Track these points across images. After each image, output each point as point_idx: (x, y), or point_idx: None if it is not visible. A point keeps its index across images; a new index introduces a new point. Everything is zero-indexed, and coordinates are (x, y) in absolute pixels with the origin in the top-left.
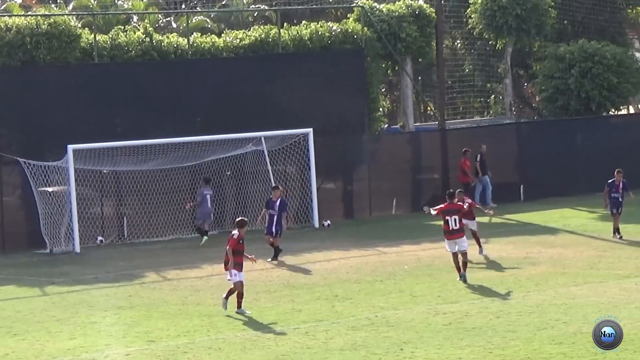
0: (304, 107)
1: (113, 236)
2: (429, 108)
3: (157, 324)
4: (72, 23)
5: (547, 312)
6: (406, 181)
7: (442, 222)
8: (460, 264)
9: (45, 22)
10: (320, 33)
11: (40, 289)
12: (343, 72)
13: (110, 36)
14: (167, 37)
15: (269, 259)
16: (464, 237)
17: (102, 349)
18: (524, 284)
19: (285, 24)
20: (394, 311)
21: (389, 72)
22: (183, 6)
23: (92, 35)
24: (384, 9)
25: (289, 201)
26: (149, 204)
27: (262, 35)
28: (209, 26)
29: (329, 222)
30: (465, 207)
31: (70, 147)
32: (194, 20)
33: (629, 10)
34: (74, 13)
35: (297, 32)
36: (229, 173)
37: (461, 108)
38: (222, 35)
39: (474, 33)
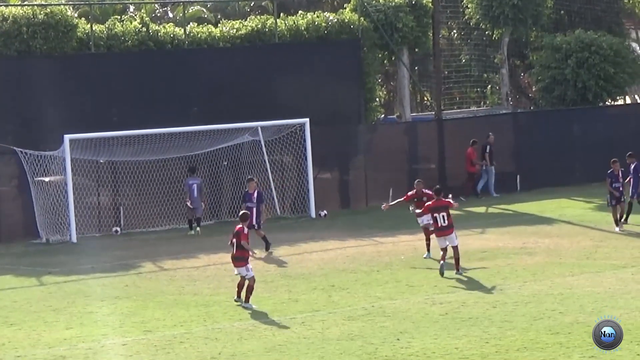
0: (300, 97)
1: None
2: (425, 98)
3: (154, 314)
4: (69, 13)
5: (543, 302)
6: (403, 171)
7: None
8: (454, 260)
9: (41, 12)
10: (316, 23)
11: (36, 278)
12: (339, 62)
13: (107, 26)
14: (164, 27)
15: (263, 254)
16: (454, 232)
17: (98, 339)
18: (521, 274)
19: (281, 14)
20: (390, 301)
21: (385, 62)
22: None
23: (89, 25)
24: (381, 0)
25: (286, 191)
26: (146, 194)
27: (259, 26)
28: (206, 16)
29: (325, 212)
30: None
31: (67, 137)
32: (190, 10)
33: (626, 1)
34: (70, 3)
35: (294, 22)
36: (225, 163)
37: (458, 98)
38: (219, 25)
39: (471, 23)
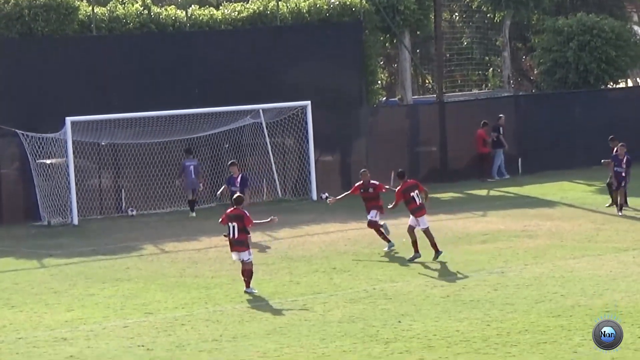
0: (302, 80)
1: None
2: (427, 81)
3: (155, 296)
4: None
5: (544, 284)
6: (404, 154)
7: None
8: (430, 244)
9: None
10: (318, 6)
11: (38, 261)
12: (341, 44)
13: (108, 8)
14: (165, 10)
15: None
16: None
17: (100, 321)
18: (522, 257)
19: None
20: (391, 284)
21: (387, 44)
22: None
23: (90, 8)
24: None
25: (288, 173)
26: (147, 176)
27: (261, 8)
28: None
29: (327, 194)
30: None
31: (69, 119)
32: None
33: None
34: None
35: (296, 5)
36: (227, 146)
37: (459, 81)
38: (220, 7)
39: (472, 6)
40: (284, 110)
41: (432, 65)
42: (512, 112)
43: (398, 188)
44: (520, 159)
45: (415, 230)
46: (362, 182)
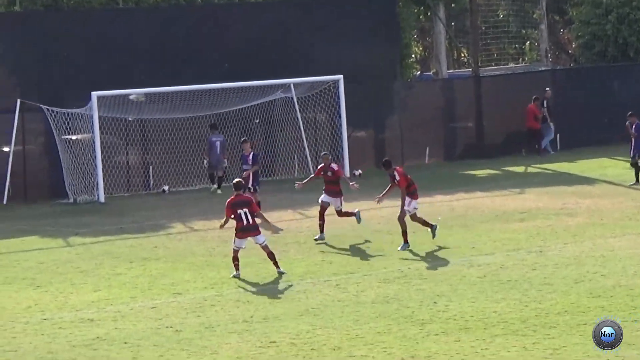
0: (334, 54)
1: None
2: (462, 54)
3: (184, 276)
4: None
5: (584, 264)
6: (439, 129)
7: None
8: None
9: None
10: None
11: (63, 239)
12: (375, 17)
13: None
14: None
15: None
16: None
17: (127, 302)
18: (561, 236)
19: None
20: (426, 263)
21: (421, 17)
22: None
23: None
24: None
25: (320, 150)
26: (175, 152)
27: None
28: None
29: (359, 171)
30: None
31: (95, 94)
32: None
33: None
34: None
35: None
36: (257, 121)
37: (495, 55)
38: None
39: None
40: (315, 84)
41: (467, 38)
42: (549, 87)
43: (400, 176)
44: (558, 135)
45: (406, 218)
46: (322, 165)
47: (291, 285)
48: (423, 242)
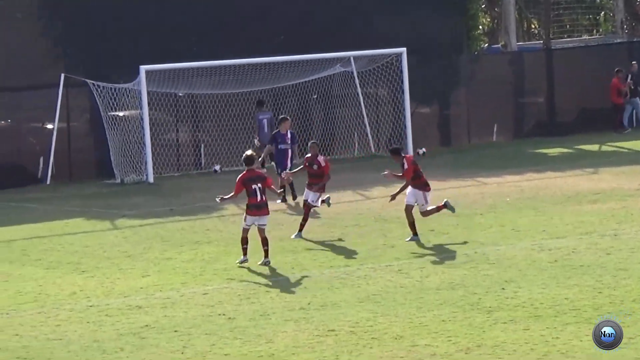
0: (397, 25)
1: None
2: (532, 26)
3: (237, 261)
4: None
5: None
6: (508, 105)
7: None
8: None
9: None
10: None
11: (110, 222)
12: None
13: None
14: None
15: (278, 200)
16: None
17: (177, 287)
18: (637, 218)
19: None
20: (494, 247)
21: None
22: None
23: None
24: None
25: (381, 127)
26: (228, 129)
27: None
28: None
29: (423, 149)
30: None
31: (143, 68)
32: None
33: None
34: None
35: None
36: (315, 96)
37: (568, 26)
38: None
39: None
40: (377, 57)
41: (538, 9)
42: (625, 60)
43: (408, 164)
44: (635, 111)
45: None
46: (309, 155)
47: (350, 271)
48: (490, 225)
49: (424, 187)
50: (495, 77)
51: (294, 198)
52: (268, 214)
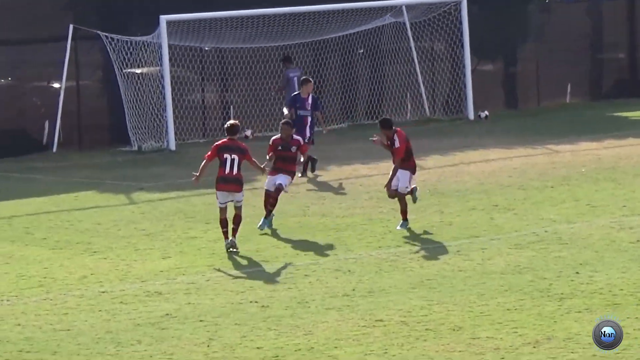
0: None
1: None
2: None
3: (272, 240)
4: None
5: None
6: (584, 62)
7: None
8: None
9: None
10: None
11: (126, 195)
12: None
13: None
14: None
15: (299, 174)
16: None
17: (202, 271)
18: None
19: None
20: (567, 225)
21: None
22: None
23: None
24: None
25: (438, 86)
26: (261, 89)
27: None
28: None
29: (486, 112)
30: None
31: (164, 18)
32: None
33: None
34: None
35: None
36: (361, 51)
37: None
38: None
39: None
40: (433, 6)
41: None
42: None
43: (400, 142)
44: None
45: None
46: (279, 137)
47: (402, 252)
48: (563, 200)
49: (413, 169)
50: (569, 30)
51: (312, 170)
52: (238, 190)
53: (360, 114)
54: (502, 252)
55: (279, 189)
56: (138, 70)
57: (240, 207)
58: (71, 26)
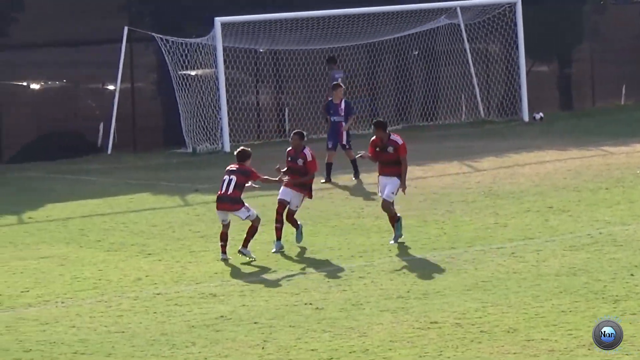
0: None
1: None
2: None
3: (327, 242)
4: None
5: None
6: (639, 63)
7: None
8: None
9: None
10: None
11: (180, 197)
12: None
13: None
14: None
15: (322, 180)
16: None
17: (257, 273)
18: None
19: None
20: (622, 227)
21: None
22: None
23: None
24: None
25: (492, 88)
26: (316, 91)
27: None
28: None
29: (541, 114)
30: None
31: (218, 20)
32: None
33: None
34: None
35: None
36: (416, 53)
37: None
38: None
39: None
40: (487, 8)
41: None
42: None
43: (401, 139)
44: None
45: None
46: (291, 148)
47: (456, 254)
48: (618, 201)
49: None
50: (624, 30)
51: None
52: (231, 209)
53: (415, 116)
54: (556, 254)
55: (284, 203)
56: (193, 72)
57: (253, 220)
58: (126, 28)
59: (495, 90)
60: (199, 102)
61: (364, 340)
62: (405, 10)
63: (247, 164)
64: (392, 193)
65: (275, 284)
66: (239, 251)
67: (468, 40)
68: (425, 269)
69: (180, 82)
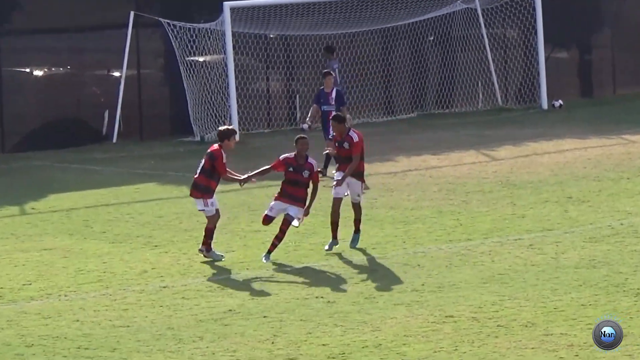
0: None
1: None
2: None
3: (351, 234)
4: None
5: None
6: None
7: None
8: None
9: None
10: None
11: (188, 187)
12: None
13: None
14: None
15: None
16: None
17: (266, 265)
18: None
19: None
20: None
21: None
22: None
23: None
24: None
25: (510, 75)
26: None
27: None
28: None
29: (560, 101)
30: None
31: (227, 5)
32: None
33: None
34: None
35: None
36: (431, 39)
37: None
38: None
39: None
40: None
41: None
42: None
43: (359, 136)
44: None
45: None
46: (293, 156)
47: (472, 246)
48: (639, 192)
49: (361, 174)
50: None
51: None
52: (198, 197)
53: (430, 103)
54: (576, 246)
55: (288, 220)
56: (201, 59)
57: (209, 217)
58: (132, 13)
59: (513, 77)
60: (207, 89)
61: (377, 334)
62: None
63: (227, 145)
64: (358, 195)
65: (285, 276)
66: (199, 250)
67: (485, 26)
68: (441, 261)
69: (187, 69)
